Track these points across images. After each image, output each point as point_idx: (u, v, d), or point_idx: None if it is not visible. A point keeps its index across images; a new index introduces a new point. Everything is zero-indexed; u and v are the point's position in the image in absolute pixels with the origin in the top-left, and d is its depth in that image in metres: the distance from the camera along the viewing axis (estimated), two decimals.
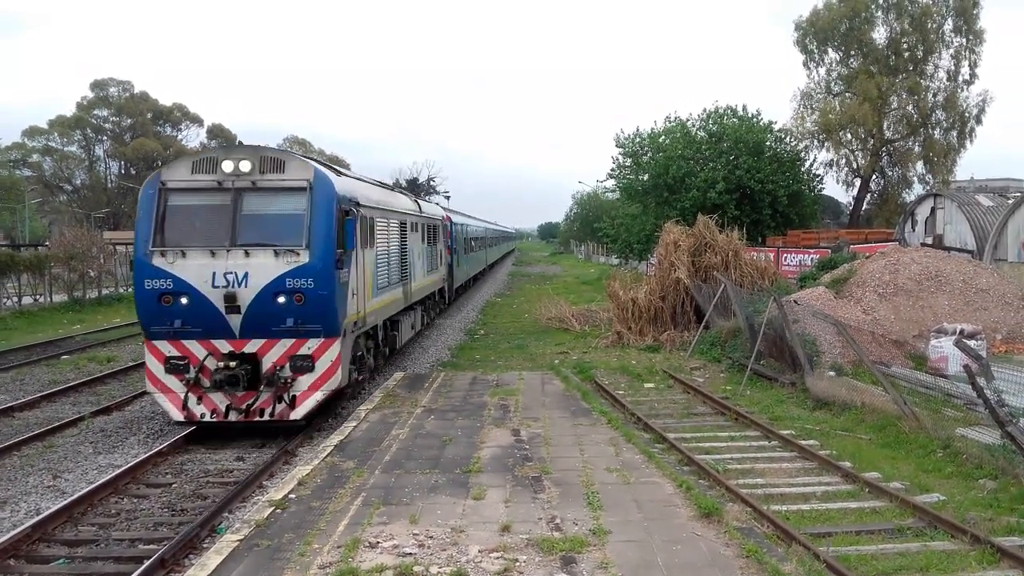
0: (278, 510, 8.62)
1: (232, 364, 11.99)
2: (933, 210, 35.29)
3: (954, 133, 45.16)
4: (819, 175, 41.19)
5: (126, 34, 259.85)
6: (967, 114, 44.61)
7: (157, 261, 11.97)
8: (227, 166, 12.30)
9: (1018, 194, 33.34)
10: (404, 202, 20.16)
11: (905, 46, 44.59)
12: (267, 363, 12.19)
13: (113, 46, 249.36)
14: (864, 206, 48.38)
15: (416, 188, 68.40)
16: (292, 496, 9.09)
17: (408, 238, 19.22)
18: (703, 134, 38.32)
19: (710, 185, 34.91)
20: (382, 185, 19.45)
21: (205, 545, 8.41)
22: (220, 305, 11.89)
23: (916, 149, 46.20)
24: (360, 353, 14.54)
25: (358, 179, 16.12)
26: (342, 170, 14.95)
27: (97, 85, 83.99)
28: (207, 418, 12.21)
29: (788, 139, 40.16)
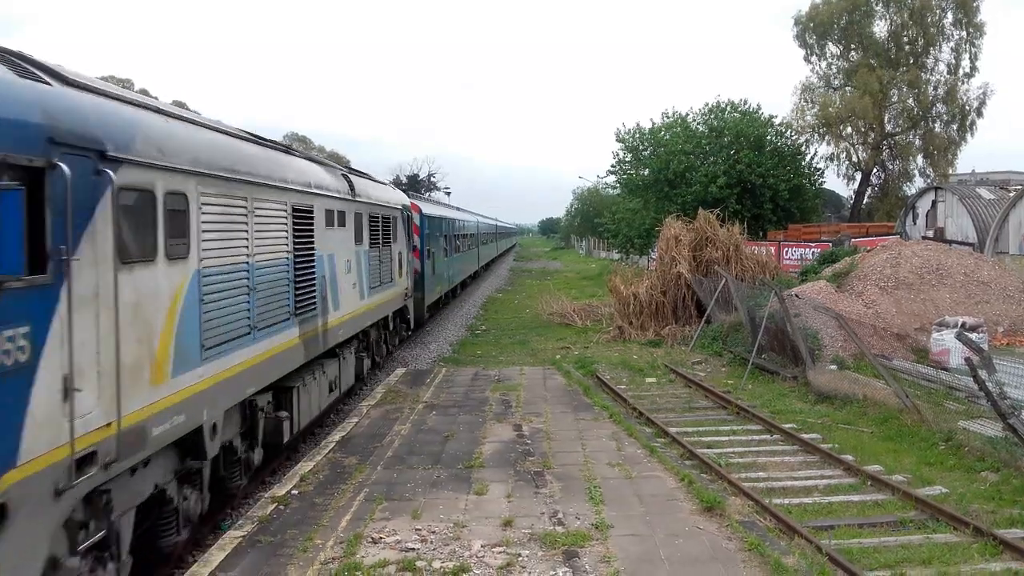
0: (281, 506, 8.64)
1: None
2: (934, 203, 35.27)
3: (954, 126, 45.06)
4: (820, 169, 41.18)
5: (127, 31, 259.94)
6: (967, 107, 44.52)
7: None
8: None
9: (1019, 187, 33.28)
10: (308, 172, 11.75)
11: (905, 39, 44.46)
12: None
13: (113, 43, 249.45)
14: (865, 200, 48.28)
15: (417, 185, 68.42)
16: (295, 492, 9.11)
17: (322, 237, 11.76)
18: (703, 129, 38.31)
19: (711, 180, 34.90)
20: (257, 140, 10.31)
21: (208, 542, 8.43)
22: None
23: (917, 142, 46.11)
24: (77, 540, 5.61)
25: (142, 105, 7.16)
26: (60, 70, 6.09)
27: None
28: None
29: (789, 133, 40.18)
